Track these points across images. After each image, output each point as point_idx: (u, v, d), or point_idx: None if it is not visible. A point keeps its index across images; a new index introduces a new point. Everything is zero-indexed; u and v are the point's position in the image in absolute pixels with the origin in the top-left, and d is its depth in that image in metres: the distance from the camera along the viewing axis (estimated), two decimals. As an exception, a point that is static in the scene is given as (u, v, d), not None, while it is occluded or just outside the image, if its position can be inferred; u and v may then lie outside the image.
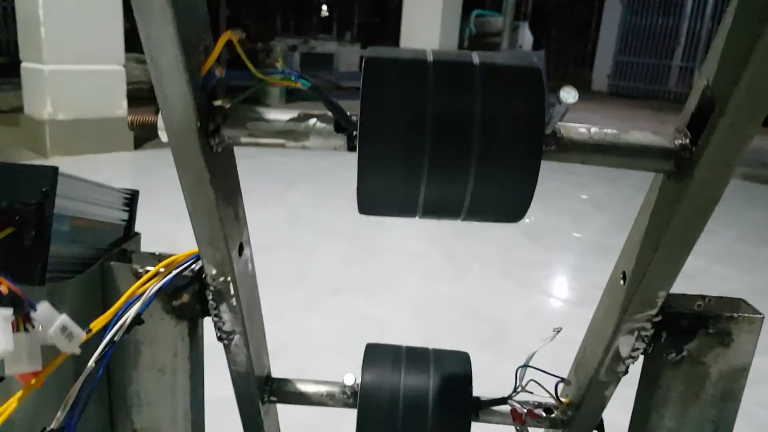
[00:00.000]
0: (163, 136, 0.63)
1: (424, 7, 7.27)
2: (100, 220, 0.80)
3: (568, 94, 0.55)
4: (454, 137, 0.55)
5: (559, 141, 0.61)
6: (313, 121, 0.63)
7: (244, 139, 0.64)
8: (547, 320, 2.24)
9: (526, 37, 9.45)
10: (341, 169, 4.42)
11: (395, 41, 7.98)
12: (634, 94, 12.10)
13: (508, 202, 0.60)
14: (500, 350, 1.96)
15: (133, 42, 4.66)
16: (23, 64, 4.34)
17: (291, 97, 7.85)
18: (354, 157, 0.57)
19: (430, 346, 0.95)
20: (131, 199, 0.87)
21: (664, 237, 0.65)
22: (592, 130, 0.62)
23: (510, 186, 0.58)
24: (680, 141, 0.61)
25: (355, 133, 0.57)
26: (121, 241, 0.85)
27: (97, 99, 4.29)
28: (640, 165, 0.63)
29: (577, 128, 0.62)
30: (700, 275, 2.75)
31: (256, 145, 0.64)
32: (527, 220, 3.53)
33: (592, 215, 3.74)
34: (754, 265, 3.08)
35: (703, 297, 0.80)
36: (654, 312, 0.73)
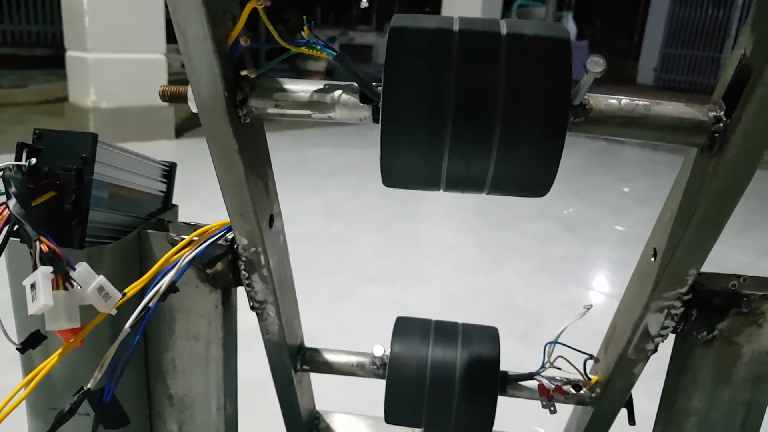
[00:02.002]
0: (193, 107, 0.64)
1: (465, -1, 7.20)
2: (138, 190, 0.81)
3: (596, 64, 0.54)
4: (476, 109, 0.55)
5: (588, 113, 0.60)
6: (338, 92, 0.63)
7: (271, 110, 0.64)
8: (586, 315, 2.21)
9: (569, 28, 9.29)
10: (377, 160, 4.41)
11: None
12: (681, 88, 11.79)
13: (532, 176, 0.59)
14: (534, 341, 1.94)
15: (173, 33, 4.72)
16: (68, 53, 4.45)
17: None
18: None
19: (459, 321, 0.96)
20: (169, 171, 0.89)
21: (696, 214, 0.64)
22: (623, 101, 0.61)
23: (534, 159, 0.57)
24: (714, 113, 0.60)
25: (380, 104, 0.57)
26: (160, 212, 0.87)
27: (139, 88, 4.37)
28: (672, 138, 0.62)
29: (607, 99, 0.61)
30: (745, 271, 2.67)
31: (283, 116, 0.65)
32: (565, 212, 3.49)
33: (634, 209, 3.68)
34: (806, 260, 2.98)
35: (738, 276, 0.79)
36: (684, 290, 0.72)
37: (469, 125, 0.55)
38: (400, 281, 2.42)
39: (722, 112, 0.59)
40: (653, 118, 0.61)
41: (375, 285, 2.36)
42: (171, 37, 4.67)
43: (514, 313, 2.19)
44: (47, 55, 8.88)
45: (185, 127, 4.91)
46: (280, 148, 4.56)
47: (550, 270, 2.63)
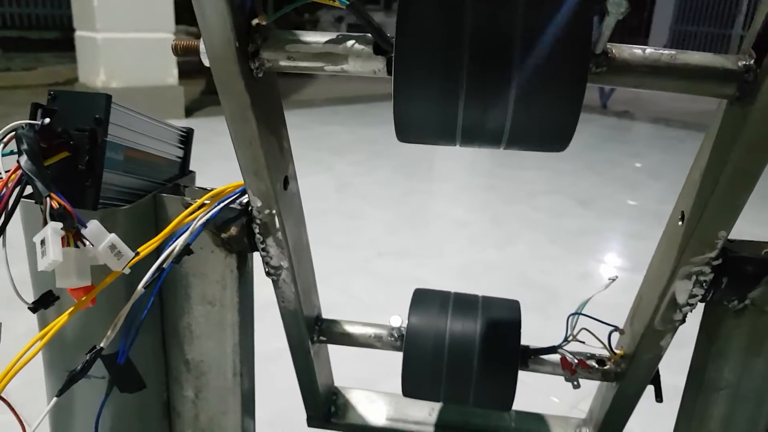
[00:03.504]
0: (205, 60, 0.63)
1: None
2: (155, 154, 0.80)
3: (618, 4, 0.51)
4: (492, 58, 0.53)
5: (611, 62, 0.58)
6: (351, 42, 0.61)
7: (283, 63, 0.63)
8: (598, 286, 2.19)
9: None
10: (386, 138, 4.41)
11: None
12: (691, 66, 11.66)
13: (551, 128, 0.57)
14: (549, 313, 1.93)
15: (182, 14, 4.70)
16: (77, 33, 4.44)
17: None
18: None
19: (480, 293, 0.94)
20: (186, 137, 0.88)
21: (725, 170, 0.61)
22: (647, 50, 0.59)
23: (553, 109, 0.55)
24: (744, 62, 0.58)
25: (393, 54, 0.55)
26: (177, 178, 0.86)
27: (148, 67, 4.36)
28: (700, 89, 0.59)
29: (631, 48, 0.59)
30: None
31: (296, 69, 0.64)
32: (576, 186, 3.46)
33: (647, 183, 3.64)
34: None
35: None
36: (713, 254, 0.69)
37: (485, 74, 0.53)
38: (413, 256, 2.42)
39: (752, 61, 0.57)
40: (680, 67, 0.59)
41: (388, 260, 2.36)
42: (179, 17, 4.65)
43: (528, 286, 2.18)
44: (56, 38, 8.85)
45: (195, 106, 4.90)
46: (291, 126, 4.52)
47: (563, 244, 2.62)
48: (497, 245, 2.58)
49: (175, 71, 4.51)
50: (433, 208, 3.12)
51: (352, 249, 2.44)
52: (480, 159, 4.29)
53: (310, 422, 1.03)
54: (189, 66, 5.84)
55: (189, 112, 4.83)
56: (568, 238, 2.69)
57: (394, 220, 2.81)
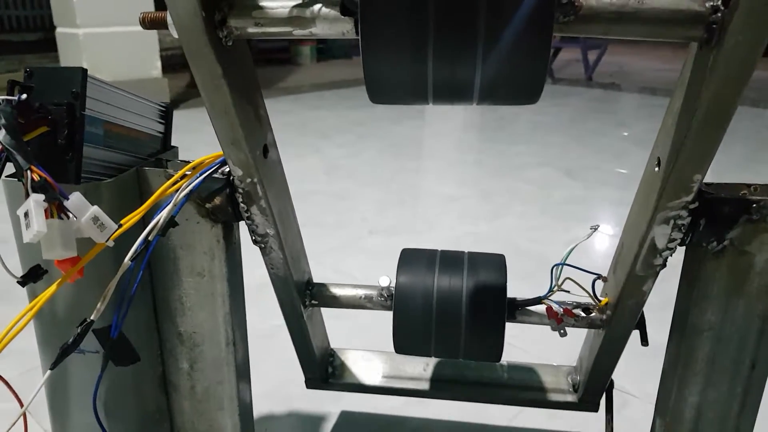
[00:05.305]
0: (173, 31, 0.63)
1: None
2: (135, 129, 0.81)
3: None
4: (459, 11, 0.53)
5: (578, 10, 0.59)
6: (318, 6, 0.62)
7: (251, 30, 0.64)
8: (589, 251, 2.20)
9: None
10: (373, 120, 4.41)
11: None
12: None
13: (520, 81, 0.57)
14: (540, 281, 1.95)
15: (161, 7, 4.65)
16: (58, 30, 4.40)
17: (322, 56, 7.81)
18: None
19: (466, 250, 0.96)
20: (166, 113, 0.88)
21: (697, 114, 0.62)
22: None
23: (521, 61, 0.55)
24: (711, 3, 0.58)
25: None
26: (159, 153, 0.87)
27: (131, 61, 4.33)
28: (668, 33, 0.60)
29: None
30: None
31: (264, 35, 0.64)
32: (564, 158, 3.47)
33: (634, 151, 3.65)
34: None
35: (748, 185, 0.76)
36: (689, 198, 0.70)
37: (451, 28, 0.54)
38: (404, 232, 2.43)
39: (720, 1, 0.57)
40: (646, 12, 0.59)
41: (379, 237, 2.37)
42: (159, 10, 4.61)
43: (519, 255, 2.19)
44: (38, 39, 8.75)
45: (181, 99, 4.87)
46: (279, 112, 4.54)
47: (552, 214, 2.63)
48: (487, 218, 2.60)
49: (158, 63, 4.48)
50: (422, 186, 3.12)
51: (344, 228, 2.45)
52: (468, 136, 4.30)
53: (309, 384, 1.05)
54: (173, 60, 5.82)
55: (175, 104, 4.80)
56: (557, 208, 2.70)
57: (384, 198, 2.82)
